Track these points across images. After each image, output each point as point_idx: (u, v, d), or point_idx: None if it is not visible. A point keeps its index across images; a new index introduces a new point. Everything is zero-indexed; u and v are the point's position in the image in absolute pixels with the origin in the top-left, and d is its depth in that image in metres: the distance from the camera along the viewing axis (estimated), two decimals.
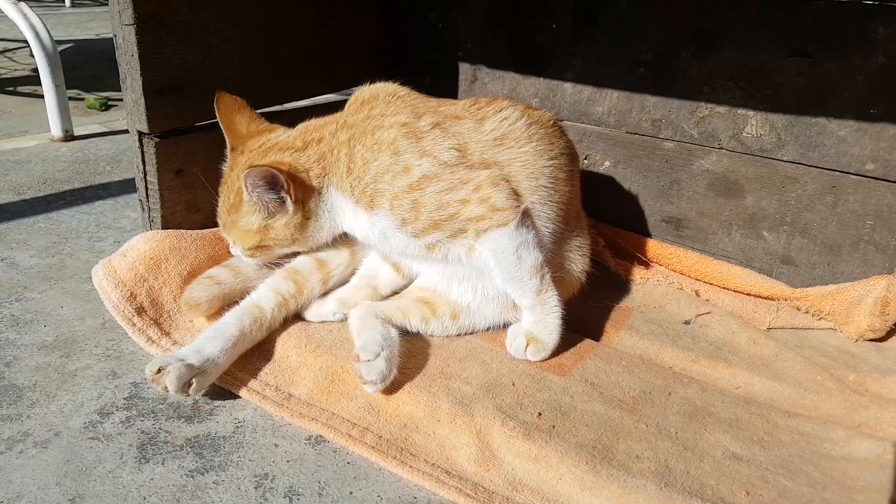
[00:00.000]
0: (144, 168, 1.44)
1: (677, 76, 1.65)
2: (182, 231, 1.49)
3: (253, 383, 1.28)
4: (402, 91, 1.40)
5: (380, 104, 1.36)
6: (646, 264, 1.73)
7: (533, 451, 1.12)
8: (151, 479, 1.07)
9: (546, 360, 1.35)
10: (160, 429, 1.17)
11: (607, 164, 1.80)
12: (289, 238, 1.37)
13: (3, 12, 2.40)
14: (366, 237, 1.36)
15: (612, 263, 1.70)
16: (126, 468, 1.08)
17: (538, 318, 1.34)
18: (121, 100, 3.09)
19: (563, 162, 1.39)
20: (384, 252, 1.42)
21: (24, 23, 2.37)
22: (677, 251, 1.71)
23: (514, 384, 1.28)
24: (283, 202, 1.32)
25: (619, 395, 1.28)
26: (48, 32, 2.41)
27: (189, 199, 1.52)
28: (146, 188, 1.46)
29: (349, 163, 1.31)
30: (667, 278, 1.68)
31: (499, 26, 1.85)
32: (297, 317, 1.44)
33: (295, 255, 1.45)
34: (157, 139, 1.43)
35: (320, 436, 1.19)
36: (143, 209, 1.50)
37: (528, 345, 1.34)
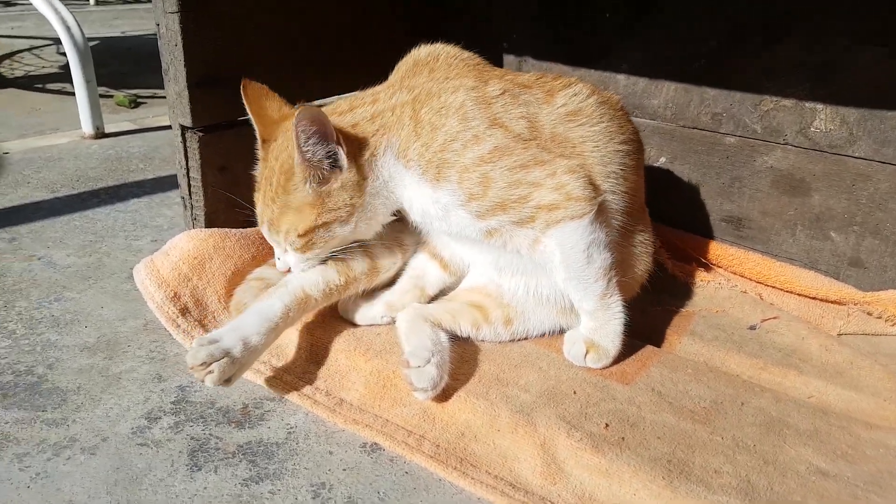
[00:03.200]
0: (187, 164, 1.39)
1: (740, 67, 1.57)
2: (226, 230, 1.43)
3: (302, 387, 1.23)
4: (465, 53, 1.30)
5: (441, 66, 1.27)
6: (705, 266, 1.65)
7: (603, 464, 1.06)
8: (205, 487, 1.02)
9: (607, 367, 1.28)
10: (210, 435, 1.12)
11: (663, 159, 1.73)
12: (348, 204, 1.20)
13: (30, 9, 2.36)
14: (425, 214, 1.23)
15: (670, 265, 1.62)
16: (178, 476, 1.03)
17: (600, 323, 1.27)
18: (150, 97, 3.08)
19: (633, 148, 1.31)
20: (440, 231, 1.29)
21: (55, 17, 2.34)
22: (738, 252, 1.63)
23: (575, 392, 1.21)
24: (336, 163, 1.17)
25: (690, 406, 1.21)
26: (79, 27, 2.38)
27: (231, 197, 1.47)
28: (189, 185, 1.41)
29: (416, 127, 1.19)
30: (728, 281, 1.60)
31: (548, 15, 1.79)
32: (341, 319, 1.39)
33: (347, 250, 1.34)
34: (201, 133, 1.38)
35: (375, 443, 1.13)
36: (185, 206, 1.45)
37: (587, 352, 1.27)
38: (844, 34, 1.43)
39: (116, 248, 1.70)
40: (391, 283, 1.45)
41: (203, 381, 1.11)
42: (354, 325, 1.38)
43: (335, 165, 1.18)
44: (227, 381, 1.14)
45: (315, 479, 1.05)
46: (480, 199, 1.16)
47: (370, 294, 1.42)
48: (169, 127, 2.01)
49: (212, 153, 1.40)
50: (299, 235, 1.22)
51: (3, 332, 1.35)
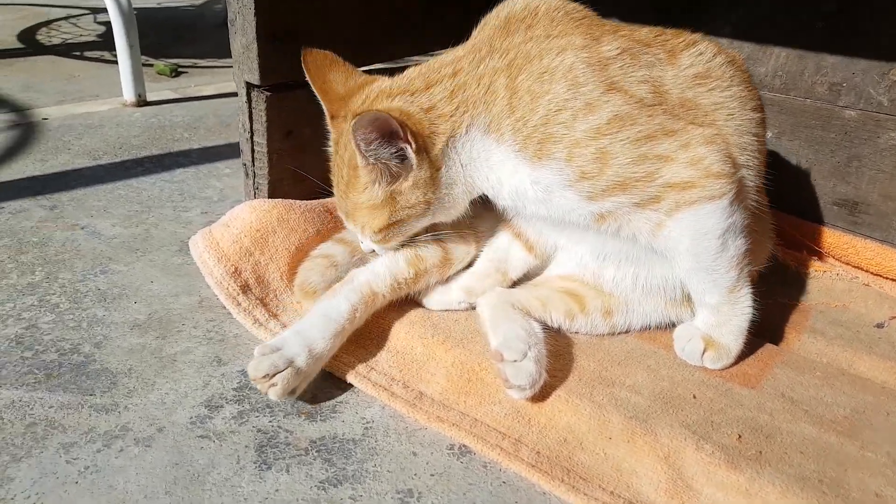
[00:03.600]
0: (251, 127, 1.24)
1: (866, 32, 1.38)
2: (290, 201, 1.29)
3: (376, 377, 1.09)
4: (569, 5, 1.10)
5: (540, 21, 1.07)
6: (819, 255, 1.47)
7: (742, 482, 0.90)
8: (276, 490, 0.88)
9: (726, 368, 1.12)
10: (279, 427, 0.98)
11: (769, 134, 1.54)
12: (422, 201, 1.09)
13: None
14: (518, 197, 1.07)
15: (781, 252, 1.45)
16: (245, 475, 0.89)
17: (723, 318, 1.11)
18: (191, 67, 2.95)
19: (762, 116, 1.14)
20: (534, 216, 1.12)
21: None
22: (852, 240, 1.45)
23: (695, 397, 1.05)
24: (404, 158, 1.04)
25: (828, 415, 1.04)
26: None
27: (298, 166, 1.32)
28: (252, 150, 1.26)
29: (511, 98, 1.02)
30: (847, 272, 1.42)
31: None
32: (412, 302, 1.24)
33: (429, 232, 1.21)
34: (268, 93, 1.23)
35: (464, 445, 0.98)
36: (246, 174, 1.31)
37: (705, 350, 1.11)
38: None
39: (164, 219, 1.56)
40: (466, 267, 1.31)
41: (266, 394, 1.00)
42: (427, 309, 1.23)
43: (404, 159, 1.05)
44: (291, 392, 1.02)
45: (401, 485, 0.90)
46: (595, 179, 0.99)
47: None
48: (213, 97, 1.85)
49: (279, 115, 1.25)
50: (375, 231, 1.13)
51: (46, 306, 1.22)
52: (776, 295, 1.37)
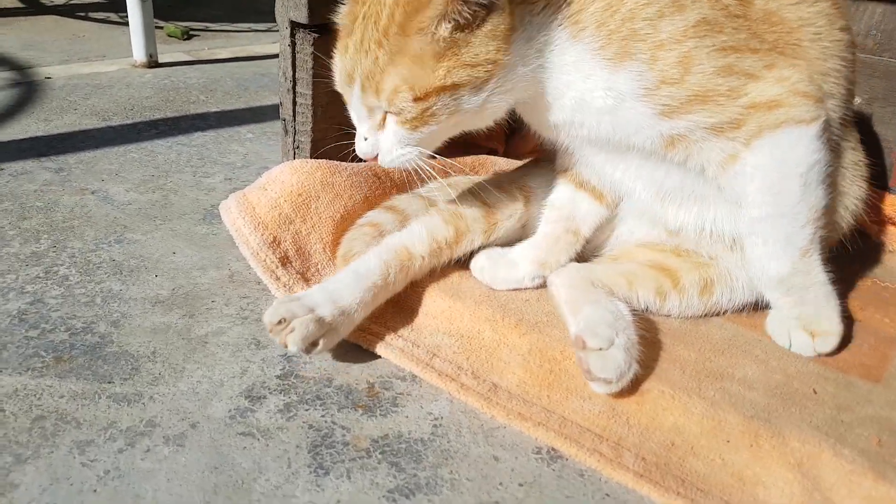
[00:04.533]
0: (294, 75, 1.07)
1: None
2: (335, 162, 1.12)
3: (440, 364, 0.94)
4: None
5: None
6: None
7: (893, 496, 0.75)
8: (338, 501, 0.72)
9: (836, 351, 0.97)
10: (334, 423, 0.83)
11: (857, 100, 1.38)
12: (490, 58, 0.85)
13: None
14: (580, 109, 0.90)
15: (875, 229, 1.29)
16: (299, 482, 0.74)
17: (803, 296, 0.96)
18: (203, 30, 2.77)
19: (850, 37, 0.99)
20: (588, 140, 0.96)
21: None
22: None
23: (815, 392, 0.90)
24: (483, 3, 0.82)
25: None
26: None
27: (343, 122, 1.15)
28: (294, 103, 1.09)
29: None
30: None
31: None
32: (474, 279, 1.08)
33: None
34: (316, 35, 1.05)
35: (553, 448, 0.83)
36: (286, 131, 1.14)
37: (813, 338, 0.96)
38: None
39: (184, 184, 1.40)
40: (518, 235, 1.15)
41: (286, 346, 0.87)
42: (491, 288, 1.08)
43: (482, 4, 0.83)
44: (313, 344, 0.89)
45: (485, 497, 0.75)
46: (676, 86, 0.84)
47: (502, 248, 1.13)
48: (228, 60, 1.70)
49: (326, 62, 1.08)
50: (416, 98, 0.85)
51: (54, 278, 1.06)
52: (870, 276, 1.22)
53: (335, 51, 0.93)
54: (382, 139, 0.92)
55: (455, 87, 0.86)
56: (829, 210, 0.99)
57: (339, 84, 0.93)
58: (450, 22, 0.82)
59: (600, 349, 0.87)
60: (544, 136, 1.05)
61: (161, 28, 2.62)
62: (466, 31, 0.83)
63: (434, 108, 0.86)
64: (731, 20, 0.87)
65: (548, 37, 0.89)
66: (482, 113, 0.91)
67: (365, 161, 0.95)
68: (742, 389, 0.89)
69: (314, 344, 0.89)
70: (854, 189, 1.03)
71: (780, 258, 0.94)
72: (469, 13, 0.82)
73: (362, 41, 0.87)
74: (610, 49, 0.86)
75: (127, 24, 2.13)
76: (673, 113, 0.86)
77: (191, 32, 2.63)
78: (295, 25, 1.05)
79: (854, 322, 1.08)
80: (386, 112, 0.89)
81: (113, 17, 2.76)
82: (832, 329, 0.98)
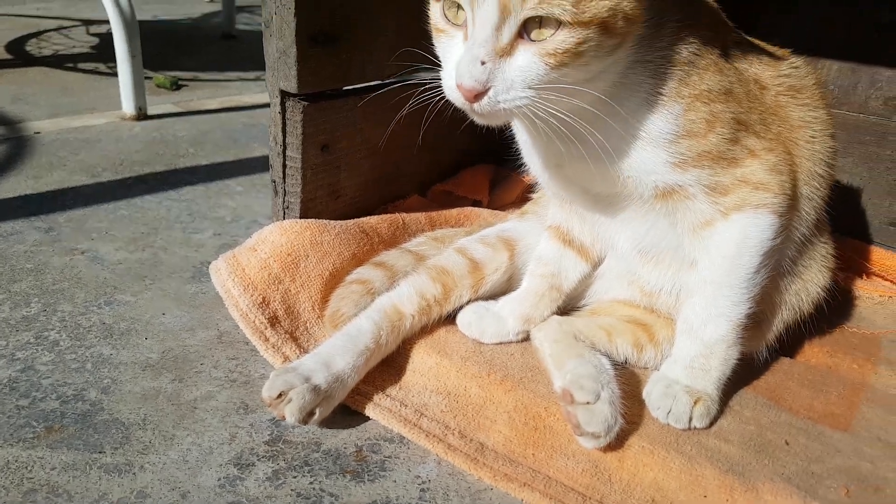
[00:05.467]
0: (284, 140, 1.11)
1: None
2: (324, 222, 1.16)
3: (428, 424, 0.96)
4: None
5: None
6: (880, 278, 1.38)
7: None
8: None
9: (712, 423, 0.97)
10: (322, 490, 0.85)
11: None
12: (632, 19, 0.78)
13: None
14: (613, 139, 0.87)
15: (841, 276, 1.34)
16: None
17: (713, 362, 0.97)
18: (191, 80, 2.81)
19: (836, 146, 1.05)
20: (584, 183, 0.98)
21: None
22: None
23: (787, 443, 0.94)
24: None
25: None
26: None
27: (332, 182, 1.19)
28: (284, 166, 1.13)
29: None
30: None
31: None
32: (460, 335, 1.12)
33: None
34: (305, 103, 1.10)
35: None
36: (275, 192, 1.18)
37: (695, 405, 0.95)
38: None
39: (173, 241, 1.43)
40: (504, 287, 1.19)
41: (284, 419, 0.90)
42: (478, 343, 1.11)
43: None
44: (310, 414, 0.91)
45: None
46: (698, 139, 0.88)
47: (486, 301, 1.16)
48: (217, 111, 1.74)
49: (315, 128, 1.12)
50: (575, 23, 0.73)
51: (45, 344, 1.08)
52: (839, 322, 1.26)
53: None
54: (506, 70, 0.75)
55: (608, 29, 0.76)
56: (796, 294, 1.06)
57: None
58: None
59: (588, 403, 0.90)
60: (546, 176, 1.03)
61: (150, 78, 2.67)
62: None
63: (587, 44, 0.75)
64: (749, 100, 0.93)
65: (656, 44, 0.86)
66: (586, 86, 0.80)
67: (463, 97, 0.76)
68: (718, 442, 0.92)
69: (311, 413, 0.92)
70: (819, 278, 1.08)
71: (719, 321, 0.96)
72: None
73: None
74: (668, 84, 0.86)
75: (115, 74, 2.17)
76: (685, 164, 0.89)
77: (180, 82, 2.67)
78: (285, 94, 1.10)
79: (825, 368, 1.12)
80: (516, 36, 0.74)
81: (102, 67, 2.80)
82: (715, 401, 0.97)
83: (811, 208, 1.01)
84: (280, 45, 1.06)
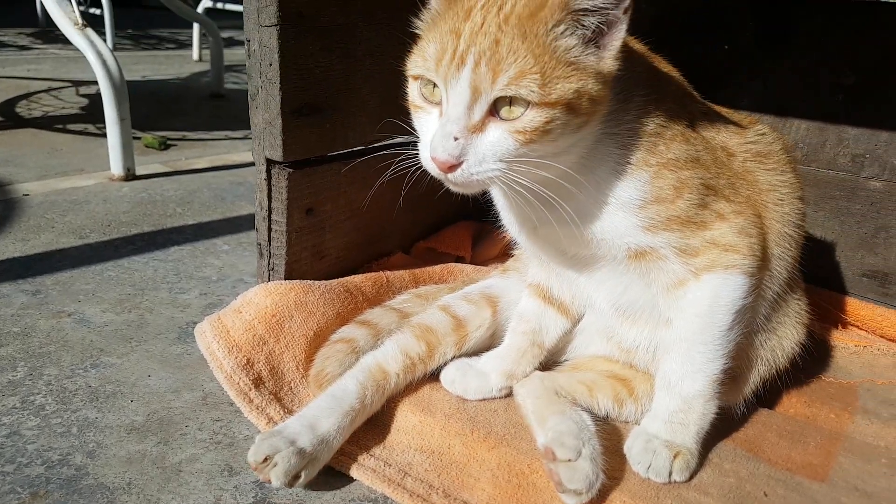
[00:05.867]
0: (270, 205, 1.15)
1: (889, 104, 1.37)
2: (308, 282, 1.19)
3: (412, 484, 0.96)
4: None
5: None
6: (855, 328, 1.42)
7: None
8: None
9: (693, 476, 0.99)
10: None
11: None
12: (597, 100, 0.83)
13: (47, 53, 2.16)
14: (579, 200, 0.92)
15: (818, 327, 1.38)
16: None
17: (691, 416, 1.00)
18: (180, 139, 2.88)
19: (805, 207, 1.10)
20: (558, 247, 1.02)
21: (91, 50, 2.15)
22: (887, 313, 1.40)
23: (766, 495, 0.96)
24: (601, 31, 0.81)
25: None
26: (115, 60, 2.19)
27: (317, 244, 1.23)
28: (269, 229, 1.17)
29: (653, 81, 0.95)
30: (888, 347, 1.36)
31: (659, 44, 1.61)
32: (444, 392, 1.14)
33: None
34: (290, 170, 1.15)
35: None
36: (260, 255, 1.21)
37: (674, 459, 0.97)
38: None
39: (160, 302, 1.44)
40: (488, 343, 1.22)
41: (269, 482, 0.91)
42: (462, 399, 1.13)
43: (595, 42, 0.82)
44: (295, 477, 0.92)
45: None
46: (666, 205, 0.92)
47: (470, 357, 1.19)
48: (205, 170, 1.78)
49: (300, 193, 1.17)
50: (542, 104, 0.78)
51: (31, 408, 1.08)
52: (816, 372, 1.30)
53: (425, 43, 0.85)
54: (478, 145, 0.81)
55: (574, 109, 0.81)
56: (772, 350, 1.10)
57: (438, 68, 0.81)
58: (576, 36, 0.80)
59: (569, 460, 0.92)
60: (523, 238, 1.07)
61: (138, 139, 2.72)
62: (587, 51, 0.81)
63: (554, 123, 0.80)
64: (717, 166, 0.98)
65: (623, 115, 0.91)
66: (558, 158, 0.85)
67: (438, 168, 0.82)
68: (697, 496, 0.94)
69: (296, 476, 0.93)
70: (793, 334, 1.12)
71: (696, 377, 0.99)
72: (586, 36, 0.81)
73: (482, 23, 0.79)
74: (637, 152, 0.91)
75: (104, 134, 2.21)
76: (655, 228, 0.93)
77: (168, 142, 2.72)
78: (270, 162, 1.14)
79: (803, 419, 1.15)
80: (487, 114, 0.80)
81: (91, 128, 2.85)
82: (695, 455, 0.99)
83: (782, 267, 1.06)
84: (266, 117, 1.12)
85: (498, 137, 0.80)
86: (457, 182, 0.83)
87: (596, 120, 0.87)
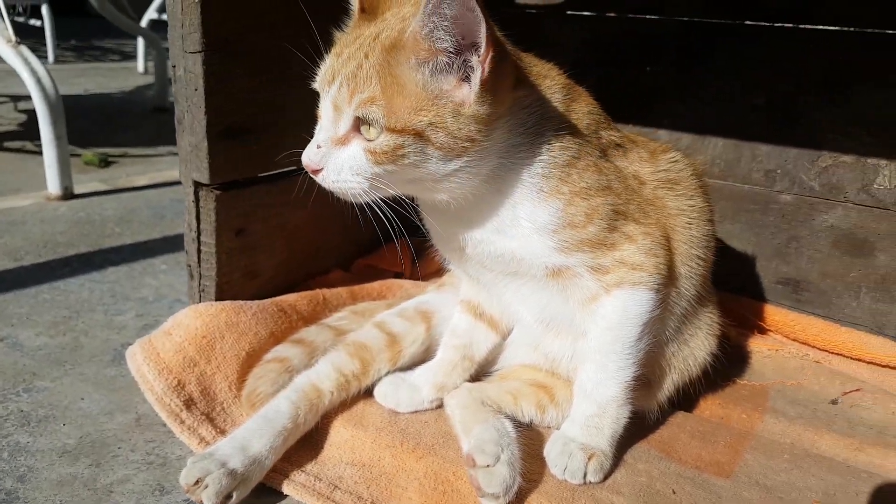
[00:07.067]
0: (199, 227, 1.17)
1: (796, 122, 1.48)
2: (240, 303, 1.21)
3: (340, 496, 1.00)
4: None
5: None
6: (768, 333, 1.51)
7: None
8: None
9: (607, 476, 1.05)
10: None
11: None
12: (461, 137, 0.88)
13: None
14: (498, 226, 1.00)
15: (734, 333, 1.47)
16: None
17: (605, 420, 1.07)
18: (121, 156, 2.85)
19: (714, 229, 1.18)
20: (483, 263, 1.07)
21: (25, 68, 2.13)
22: (799, 318, 1.50)
23: (674, 492, 1.03)
24: (466, 75, 0.86)
25: (803, 500, 1.03)
26: (51, 78, 2.17)
27: (248, 264, 1.25)
28: (198, 251, 1.19)
29: (566, 108, 1.01)
30: (798, 350, 1.45)
31: (585, 67, 1.69)
32: (377, 405, 1.18)
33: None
34: (218, 192, 1.17)
35: None
36: (191, 276, 1.23)
37: (589, 460, 1.03)
38: None
39: (95, 325, 1.44)
40: (422, 357, 1.26)
41: (201, 502, 0.94)
42: (394, 412, 1.17)
43: (465, 77, 0.87)
44: (227, 497, 0.95)
45: None
46: (578, 230, 0.99)
47: (404, 371, 1.23)
48: (146, 187, 1.78)
49: (229, 214, 1.19)
50: (389, 129, 0.86)
51: None
52: (733, 376, 1.38)
53: (328, 56, 0.93)
54: (337, 157, 0.90)
55: (427, 139, 0.87)
56: (684, 360, 1.17)
57: (319, 83, 0.92)
58: (426, 67, 0.85)
59: (488, 466, 0.97)
60: (451, 257, 1.15)
61: (78, 155, 2.68)
62: (443, 82, 0.86)
63: (406, 149, 0.87)
64: (628, 193, 1.05)
65: (526, 139, 0.96)
66: (444, 183, 0.93)
67: (306, 170, 0.91)
68: (610, 495, 1.00)
69: (228, 497, 0.95)
70: (705, 345, 1.19)
71: (609, 384, 1.06)
72: (437, 69, 0.85)
73: (358, 49, 0.89)
74: (551, 181, 0.98)
75: (42, 152, 2.18)
76: (568, 250, 1.00)
77: (109, 159, 2.69)
78: (198, 184, 1.17)
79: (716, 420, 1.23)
80: (352, 130, 0.89)
81: (29, 145, 2.80)
82: (609, 457, 1.05)
83: (690, 284, 1.13)
84: (192, 140, 1.14)
85: (353, 153, 0.90)
86: (325, 186, 0.93)
87: (475, 153, 0.91)
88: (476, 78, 0.86)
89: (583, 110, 1.05)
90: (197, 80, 1.10)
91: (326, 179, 0.91)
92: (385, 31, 0.90)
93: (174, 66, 1.13)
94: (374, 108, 0.86)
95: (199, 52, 1.08)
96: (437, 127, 0.87)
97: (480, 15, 0.81)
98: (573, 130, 1.01)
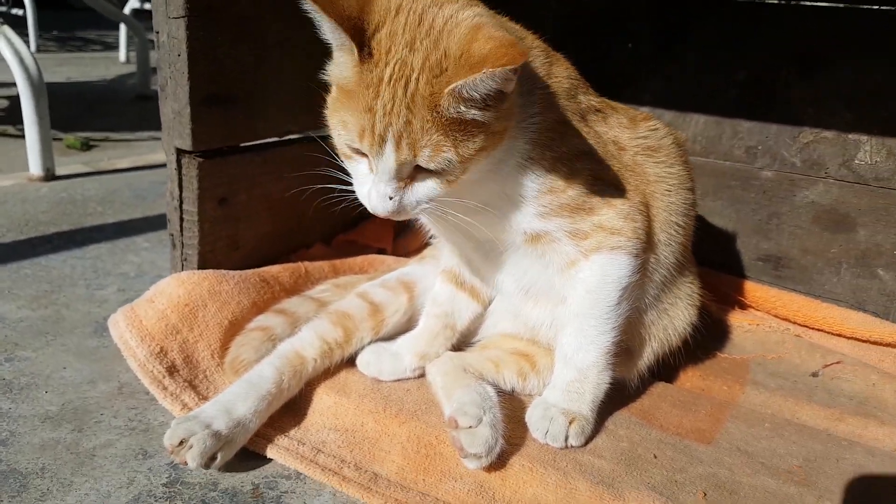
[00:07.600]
0: (181, 195, 1.16)
1: (777, 99, 1.50)
2: (223, 272, 1.21)
3: (324, 459, 1.00)
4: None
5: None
6: (750, 308, 1.53)
7: None
8: None
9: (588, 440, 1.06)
10: None
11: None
12: (502, 130, 0.92)
13: None
14: (494, 194, 1.01)
15: (715, 308, 1.48)
16: None
17: (587, 385, 1.07)
18: (103, 140, 2.82)
19: (694, 198, 1.19)
20: (467, 232, 1.06)
21: (8, 48, 2.10)
22: (780, 294, 1.51)
23: (655, 456, 1.04)
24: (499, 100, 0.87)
25: (784, 466, 1.05)
26: (34, 59, 2.14)
27: (231, 234, 1.24)
28: (181, 220, 1.18)
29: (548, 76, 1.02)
30: (779, 325, 1.47)
31: (566, 45, 1.69)
32: (360, 374, 1.18)
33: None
34: (201, 159, 1.17)
35: None
36: (174, 245, 1.22)
37: (570, 425, 1.04)
38: (887, 63, 1.37)
39: (77, 298, 1.43)
40: (405, 327, 1.27)
41: (186, 464, 0.94)
42: (377, 380, 1.17)
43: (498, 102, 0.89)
44: (211, 458, 0.95)
45: None
46: (558, 194, 1.00)
47: (387, 341, 1.23)
48: (128, 170, 1.77)
49: (212, 182, 1.19)
50: (461, 161, 0.88)
51: None
52: (713, 349, 1.40)
53: (343, 110, 0.90)
54: (410, 195, 0.92)
55: (488, 148, 0.91)
56: (664, 329, 1.18)
57: (359, 142, 0.89)
58: (466, 104, 0.85)
59: (470, 427, 0.98)
60: (432, 225, 1.15)
61: (60, 140, 2.65)
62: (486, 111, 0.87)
63: (475, 162, 0.91)
64: (607, 158, 1.06)
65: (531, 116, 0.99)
66: (496, 169, 0.97)
67: (378, 216, 0.94)
68: (591, 458, 1.01)
69: (213, 458, 0.95)
70: (685, 315, 1.20)
71: (589, 350, 1.07)
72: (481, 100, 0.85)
73: (392, 103, 0.86)
74: (537, 149, 0.99)
75: (24, 135, 2.16)
76: (548, 215, 1.01)
77: (91, 143, 2.67)
78: (180, 152, 1.16)
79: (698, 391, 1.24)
80: (416, 171, 0.91)
81: (10, 129, 2.77)
82: (590, 422, 1.06)
83: (670, 252, 1.14)
84: (175, 107, 1.14)
85: (431, 186, 0.92)
86: (400, 219, 0.97)
87: (511, 127, 0.94)
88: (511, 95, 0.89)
89: (562, 74, 1.05)
90: (180, 45, 1.09)
91: (406, 214, 0.94)
92: (413, 75, 0.85)
93: (157, 33, 1.12)
94: (443, 156, 0.88)
95: (183, 16, 1.08)
96: (489, 133, 0.90)
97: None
98: (555, 93, 1.02)
